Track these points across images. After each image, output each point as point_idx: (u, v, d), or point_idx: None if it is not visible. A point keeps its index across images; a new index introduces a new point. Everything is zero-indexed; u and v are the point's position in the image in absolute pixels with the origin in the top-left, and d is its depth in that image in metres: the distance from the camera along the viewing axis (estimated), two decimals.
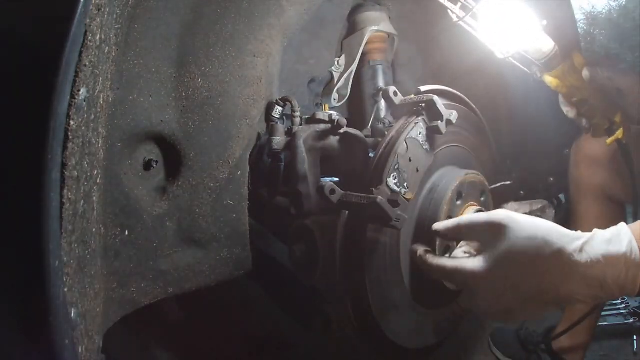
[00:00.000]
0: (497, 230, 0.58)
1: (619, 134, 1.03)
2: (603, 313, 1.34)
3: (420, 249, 0.74)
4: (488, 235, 0.60)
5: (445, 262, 0.66)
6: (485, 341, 1.49)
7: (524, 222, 0.56)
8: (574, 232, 0.57)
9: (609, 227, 0.57)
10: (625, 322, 1.56)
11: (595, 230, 0.57)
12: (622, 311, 1.60)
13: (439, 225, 0.72)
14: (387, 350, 0.91)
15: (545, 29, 0.92)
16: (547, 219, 0.60)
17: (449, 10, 0.92)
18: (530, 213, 0.63)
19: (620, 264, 0.53)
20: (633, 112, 0.99)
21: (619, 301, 1.66)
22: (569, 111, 1.05)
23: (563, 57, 0.97)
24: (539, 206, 0.60)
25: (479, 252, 0.63)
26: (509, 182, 0.91)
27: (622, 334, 1.55)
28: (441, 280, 0.73)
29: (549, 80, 1.00)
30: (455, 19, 0.93)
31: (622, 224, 0.57)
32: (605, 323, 1.53)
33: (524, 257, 0.55)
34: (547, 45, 0.95)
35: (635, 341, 1.51)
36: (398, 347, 0.92)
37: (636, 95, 0.93)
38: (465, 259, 0.63)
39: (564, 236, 0.56)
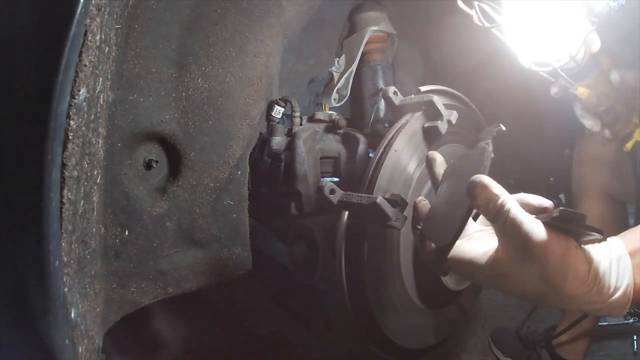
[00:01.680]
0: (524, 256, 0.53)
1: (638, 135, 0.98)
2: None
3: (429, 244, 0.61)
4: (513, 251, 0.54)
5: (455, 255, 0.57)
6: (485, 341, 1.49)
7: (551, 262, 0.52)
8: (587, 281, 0.53)
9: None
10: (625, 322, 1.56)
11: (603, 279, 0.53)
12: None
13: (488, 181, 0.54)
14: (387, 350, 0.91)
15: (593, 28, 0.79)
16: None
17: (475, 17, 0.82)
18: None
19: (607, 312, 0.55)
20: None
21: None
22: (592, 124, 0.97)
23: (594, 62, 0.87)
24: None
25: (496, 251, 0.56)
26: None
27: (622, 334, 1.55)
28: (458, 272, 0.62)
29: (581, 91, 0.90)
30: (483, 24, 0.82)
31: (629, 273, 0.54)
32: (605, 323, 1.53)
33: (531, 291, 0.54)
34: (580, 50, 0.83)
35: (635, 341, 1.51)
36: (398, 346, 0.92)
37: None
38: (477, 260, 0.56)
39: (575, 291, 0.53)
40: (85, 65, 0.47)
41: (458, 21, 1.03)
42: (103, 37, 0.53)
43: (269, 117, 0.94)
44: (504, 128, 0.61)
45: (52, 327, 0.45)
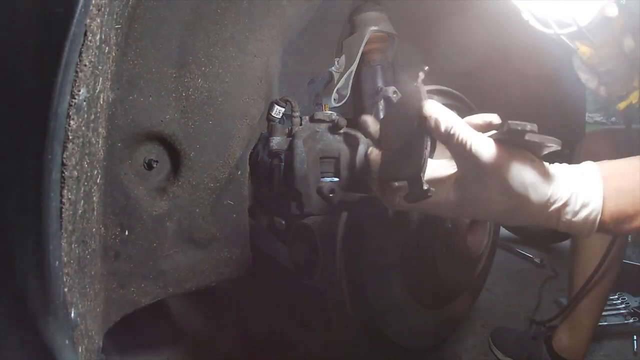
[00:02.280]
0: (480, 174, 0.54)
1: (633, 97, 0.98)
2: (603, 313, 1.34)
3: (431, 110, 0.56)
4: (469, 172, 0.55)
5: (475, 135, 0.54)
6: (485, 341, 1.49)
7: (508, 174, 0.53)
8: (553, 184, 0.53)
9: None
10: (625, 322, 1.56)
11: (572, 188, 0.54)
12: (622, 311, 1.60)
13: (432, 105, 0.56)
14: (387, 350, 0.91)
15: None
16: (542, 150, 0.56)
17: None
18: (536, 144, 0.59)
19: (576, 229, 0.54)
20: None
21: (619, 301, 1.66)
22: (588, 79, 0.96)
23: (603, 23, 0.83)
24: (550, 146, 0.56)
25: (456, 178, 0.57)
26: None
27: (622, 334, 1.55)
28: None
29: (583, 50, 0.88)
30: None
31: (599, 187, 0.54)
32: (605, 323, 1.53)
33: (499, 209, 0.54)
34: (592, 11, 0.79)
35: (635, 341, 1.51)
36: (398, 346, 0.93)
37: None
38: (439, 192, 0.56)
39: (542, 197, 0.53)
40: (85, 65, 0.47)
41: (458, 21, 1.03)
42: (103, 37, 0.53)
43: (269, 117, 0.94)
44: (426, 68, 0.61)
45: (52, 327, 0.45)
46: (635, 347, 1.50)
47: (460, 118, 0.55)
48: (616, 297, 1.68)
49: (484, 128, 0.58)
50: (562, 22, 0.81)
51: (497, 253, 1.16)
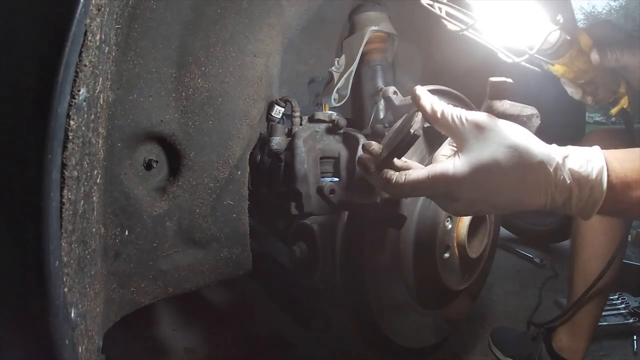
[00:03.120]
0: (482, 134, 0.57)
1: (624, 102, 1.03)
2: (603, 313, 1.34)
3: (371, 165, 0.64)
4: (471, 137, 0.58)
5: (423, 172, 0.59)
6: (485, 341, 1.49)
7: (507, 130, 0.57)
8: (551, 146, 0.58)
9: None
10: (625, 322, 1.56)
11: (570, 149, 0.58)
12: (622, 311, 1.60)
13: (421, 91, 0.63)
14: (387, 350, 0.91)
15: (559, 24, 0.86)
16: (530, 127, 0.61)
17: (447, 23, 0.88)
18: (517, 117, 0.61)
19: (586, 188, 0.55)
20: (638, 85, 1.00)
21: (619, 301, 1.66)
22: (573, 92, 1.03)
23: (570, 43, 0.93)
24: (528, 113, 0.61)
25: (459, 151, 0.60)
26: None
27: (622, 334, 1.55)
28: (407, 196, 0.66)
29: (556, 68, 0.96)
30: (456, 29, 0.88)
31: (597, 148, 0.58)
32: (605, 323, 1.53)
33: (506, 166, 0.55)
34: (554, 35, 0.89)
35: (635, 341, 1.51)
36: (398, 347, 0.93)
37: None
38: (445, 162, 0.59)
39: (543, 150, 0.57)
40: (85, 65, 0.47)
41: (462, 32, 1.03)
42: (103, 37, 0.53)
43: (269, 117, 0.94)
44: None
45: (52, 327, 0.45)
46: (635, 347, 1.50)
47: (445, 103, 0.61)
48: (616, 297, 1.68)
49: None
50: (520, 51, 0.88)
51: (497, 253, 1.16)
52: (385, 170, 0.61)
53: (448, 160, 0.58)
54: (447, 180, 0.57)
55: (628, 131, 1.08)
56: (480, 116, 0.58)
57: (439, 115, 0.60)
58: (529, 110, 0.60)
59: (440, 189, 0.58)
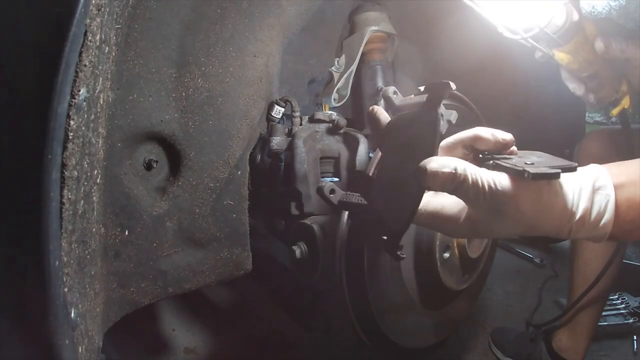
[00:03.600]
0: (497, 216, 0.52)
1: (625, 102, 1.01)
2: (603, 313, 1.34)
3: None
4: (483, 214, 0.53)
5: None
6: (485, 341, 1.49)
7: (525, 209, 0.52)
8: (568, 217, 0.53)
9: None
10: (625, 322, 1.56)
11: (584, 212, 0.52)
12: (622, 311, 1.61)
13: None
14: (387, 350, 0.91)
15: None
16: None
17: None
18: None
19: (600, 236, 0.53)
20: (638, 84, 0.98)
21: (619, 301, 1.66)
22: (576, 88, 1.00)
23: (576, 29, 0.87)
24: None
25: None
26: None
27: (622, 334, 1.55)
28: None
29: (560, 56, 0.92)
30: None
31: (611, 197, 0.53)
32: (605, 323, 1.53)
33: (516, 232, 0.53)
34: (561, 16, 0.84)
35: (635, 341, 1.51)
36: (398, 347, 0.92)
37: None
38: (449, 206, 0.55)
39: (554, 222, 0.53)
40: (85, 65, 0.47)
41: (458, 21, 1.03)
42: (103, 37, 0.53)
43: (269, 117, 0.94)
44: (454, 87, 0.57)
45: (52, 327, 0.45)
46: (635, 347, 1.50)
47: (464, 162, 0.51)
48: (616, 297, 1.68)
49: (495, 146, 0.56)
50: (528, 30, 0.83)
51: (497, 253, 1.16)
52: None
53: (450, 224, 0.55)
54: (448, 231, 0.58)
55: (625, 132, 1.08)
56: (503, 193, 0.50)
57: (454, 189, 0.51)
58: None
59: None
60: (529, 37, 0.81)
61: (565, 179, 0.51)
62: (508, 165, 0.50)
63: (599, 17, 0.82)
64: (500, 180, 0.50)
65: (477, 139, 0.57)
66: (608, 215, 0.52)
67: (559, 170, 0.48)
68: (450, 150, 0.59)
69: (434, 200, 0.58)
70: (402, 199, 0.56)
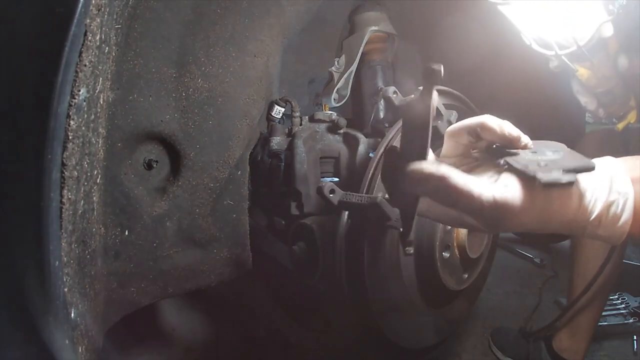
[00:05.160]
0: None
1: (632, 117, 1.00)
2: (603, 313, 1.34)
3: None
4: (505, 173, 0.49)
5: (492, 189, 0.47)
6: (485, 341, 1.49)
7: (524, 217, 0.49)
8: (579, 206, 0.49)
9: None
10: (625, 322, 1.56)
11: (601, 211, 0.49)
12: (622, 311, 1.60)
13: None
14: (387, 350, 0.91)
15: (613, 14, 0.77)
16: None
17: None
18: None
19: (618, 237, 0.50)
20: None
21: (619, 301, 1.66)
22: (588, 102, 0.99)
23: (600, 44, 0.85)
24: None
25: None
26: None
27: (622, 334, 1.55)
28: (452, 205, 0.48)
29: (581, 72, 0.90)
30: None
31: (630, 195, 0.49)
32: (605, 323, 1.53)
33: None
34: (590, 32, 0.81)
35: (635, 341, 1.51)
36: (398, 347, 0.92)
37: None
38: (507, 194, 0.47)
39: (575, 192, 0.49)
40: (85, 65, 0.47)
41: (458, 21, 1.03)
42: (103, 37, 0.53)
43: (269, 117, 0.94)
44: (442, 70, 0.46)
45: (52, 327, 0.45)
46: (635, 347, 1.50)
47: (457, 173, 0.46)
48: (616, 297, 1.68)
49: (502, 139, 0.52)
50: (560, 44, 0.82)
51: (497, 253, 1.16)
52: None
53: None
54: (503, 210, 0.47)
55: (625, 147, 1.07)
56: (504, 212, 0.46)
57: (452, 202, 0.47)
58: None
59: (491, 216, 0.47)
60: (555, 54, 0.79)
61: (580, 176, 0.47)
62: (519, 167, 0.46)
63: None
64: (505, 194, 0.45)
65: (483, 127, 0.53)
66: (627, 215, 0.49)
67: (574, 176, 0.44)
68: (455, 137, 0.56)
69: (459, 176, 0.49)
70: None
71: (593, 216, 0.48)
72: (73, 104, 0.46)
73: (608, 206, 0.48)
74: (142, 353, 1.32)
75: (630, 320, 1.56)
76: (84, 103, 0.49)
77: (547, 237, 2.15)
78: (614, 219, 0.49)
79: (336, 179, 0.94)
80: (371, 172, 0.83)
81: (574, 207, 0.48)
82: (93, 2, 0.47)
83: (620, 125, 1.02)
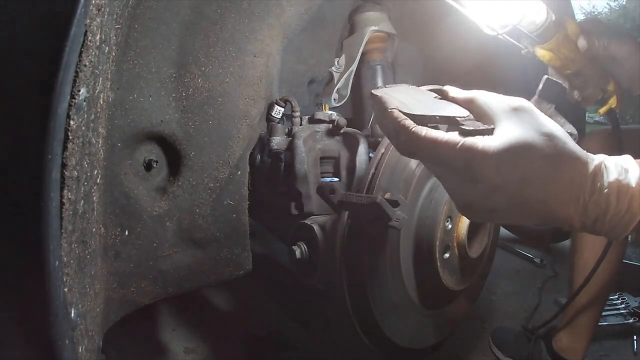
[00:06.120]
0: (517, 115, 0.49)
1: (612, 102, 1.02)
2: (603, 313, 1.34)
3: (394, 108, 0.52)
4: (504, 117, 0.49)
5: (449, 135, 0.49)
6: (485, 341, 1.49)
7: (545, 118, 0.49)
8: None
9: None
10: (625, 322, 1.56)
11: (602, 156, 0.50)
12: (622, 311, 1.61)
13: (451, 89, 0.57)
14: (387, 350, 0.91)
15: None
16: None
17: None
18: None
19: (625, 201, 0.47)
20: (627, 81, 0.98)
21: (619, 301, 1.66)
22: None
23: (556, 27, 0.89)
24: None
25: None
26: None
27: (622, 334, 1.55)
28: (424, 159, 0.53)
29: (541, 53, 0.93)
30: None
31: (629, 157, 0.50)
32: (605, 323, 1.53)
33: (541, 153, 0.46)
34: (540, 15, 0.86)
35: (635, 341, 1.51)
36: (398, 347, 0.92)
37: (633, 64, 0.92)
38: (476, 137, 0.48)
39: (581, 150, 0.49)
40: (85, 65, 0.47)
41: (458, 21, 1.03)
42: (103, 37, 0.53)
43: (269, 117, 0.94)
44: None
45: (52, 327, 0.45)
46: (635, 347, 1.50)
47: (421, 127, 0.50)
48: (616, 297, 1.68)
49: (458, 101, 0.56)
50: (505, 26, 0.86)
51: (497, 253, 1.16)
52: (403, 116, 0.51)
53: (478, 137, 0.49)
54: (472, 153, 0.47)
55: (614, 131, 1.08)
56: (515, 99, 0.50)
57: (471, 97, 0.53)
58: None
59: (460, 161, 0.48)
60: (505, 34, 0.85)
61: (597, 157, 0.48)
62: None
63: (598, 17, 0.82)
64: (474, 140, 0.47)
65: (441, 91, 0.58)
66: (637, 189, 0.47)
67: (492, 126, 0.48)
68: None
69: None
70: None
71: (605, 190, 0.47)
72: (73, 104, 0.46)
73: (621, 188, 0.47)
74: (142, 353, 1.32)
75: (630, 320, 1.56)
76: (84, 103, 0.49)
77: (547, 237, 2.15)
78: (624, 206, 0.47)
79: (336, 179, 0.94)
80: (371, 172, 0.83)
81: (584, 173, 0.47)
82: (93, 2, 0.47)
83: (602, 110, 1.04)
